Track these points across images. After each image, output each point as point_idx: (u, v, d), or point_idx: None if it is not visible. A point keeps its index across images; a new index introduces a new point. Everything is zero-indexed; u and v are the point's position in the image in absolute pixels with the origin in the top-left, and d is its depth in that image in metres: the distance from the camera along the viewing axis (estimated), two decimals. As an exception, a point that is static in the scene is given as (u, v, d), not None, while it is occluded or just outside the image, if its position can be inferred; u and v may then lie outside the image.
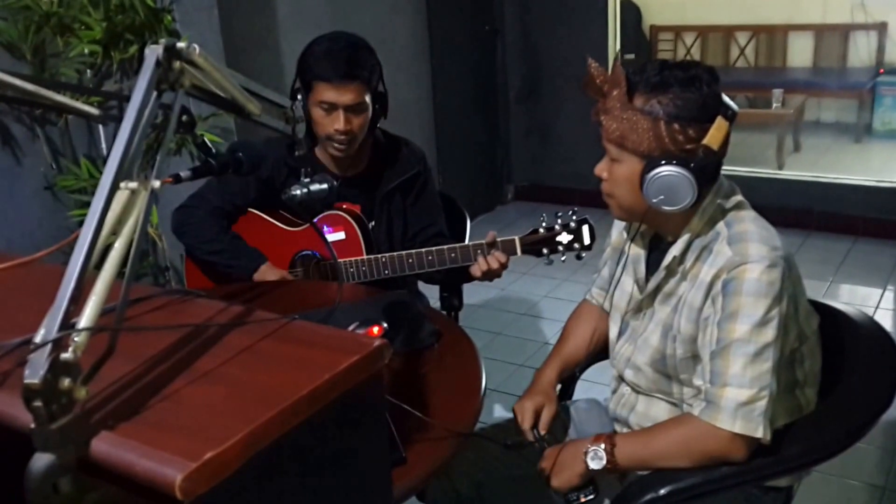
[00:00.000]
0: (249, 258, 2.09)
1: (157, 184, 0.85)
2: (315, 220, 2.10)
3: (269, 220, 2.16)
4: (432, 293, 2.37)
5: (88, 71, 2.66)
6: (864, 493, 2.50)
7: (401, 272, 2.02)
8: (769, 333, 1.36)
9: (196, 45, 0.94)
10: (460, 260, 1.97)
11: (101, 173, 2.71)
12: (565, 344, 1.80)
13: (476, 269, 1.95)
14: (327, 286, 2.06)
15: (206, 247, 2.12)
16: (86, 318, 0.75)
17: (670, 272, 1.50)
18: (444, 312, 2.25)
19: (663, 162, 1.37)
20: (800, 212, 4.64)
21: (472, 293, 2.18)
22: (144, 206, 0.83)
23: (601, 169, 1.50)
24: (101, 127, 2.77)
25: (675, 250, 1.48)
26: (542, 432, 1.64)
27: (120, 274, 0.80)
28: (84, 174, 2.64)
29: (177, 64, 0.92)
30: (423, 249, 2.00)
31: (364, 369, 0.86)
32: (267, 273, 2.07)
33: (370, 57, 2.05)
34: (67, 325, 0.74)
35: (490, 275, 1.96)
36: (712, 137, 1.37)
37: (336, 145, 2.03)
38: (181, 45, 0.92)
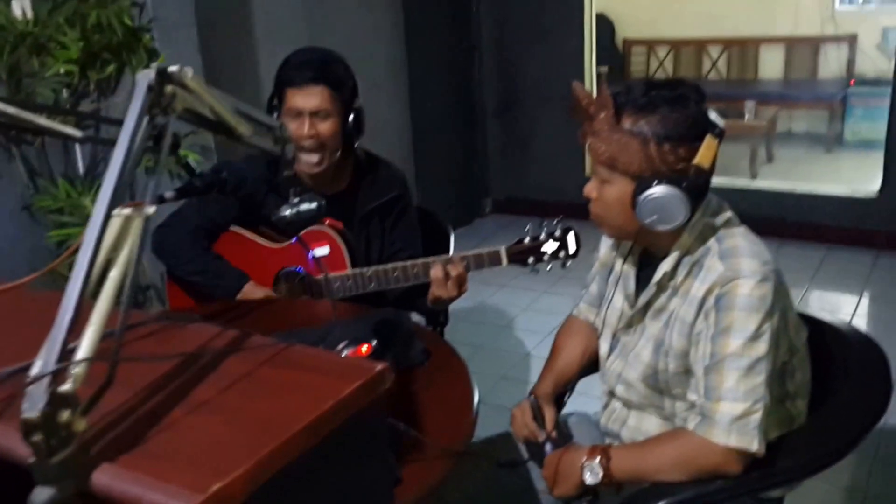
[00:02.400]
0: (232, 278, 2.07)
1: (151, 210, 0.83)
2: (299, 235, 2.09)
3: (251, 237, 2.14)
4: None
5: (65, 90, 2.62)
6: (845, 499, 2.52)
7: (386, 286, 2.02)
8: (762, 347, 1.36)
9: (189, 69, 0.93)
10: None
11: (78, 193, 2.67)
12: (557, 359, 1.79)
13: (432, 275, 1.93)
14: (312, 304, 2.04)
15: (187, 267, 2.09)
16: (84, 349, 0.74)
17: (661, 288, 1.51)
18: (430, 328, 2.24)
19: (655, 182, 1.38)
20: (773, 221, 4.68)
21: (452, 306, 2.18)
22: (140, 233, 0.82)
23: (590, 190, 1.49)
24: (77, 146, 2.74)
25: (665, 266, 1.48)
26: (549, 430, 1.63)
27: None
28: (62, 194, 2.60)
29: (169, 88, 0.91)
30: (409, 262, 1.99)
31: (366, 395, 0.85)
32: (251, 293, 2.04)
33: (341, 69, 2.05)
34: (65, 355, 0.72)
35: (444, 286, 1.94)
36: (703, 156, 1.37)
37: (305, 156, 2.02)
38: (173, 68, 0.91)
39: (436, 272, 1.93)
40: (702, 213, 1.46)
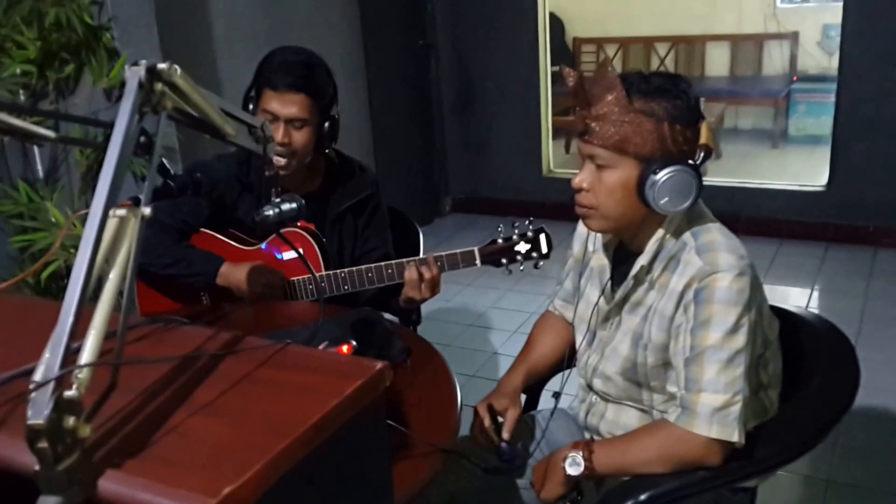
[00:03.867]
0: (206, 262, 2.03)
1: (147, 210, 0.82)
2: (270, 238, 2.07)
3: (222, 239, 2.11)
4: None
5: (21, 91, 2.55)
6: (810, 487, 2.58)
7: (360, 287, 2.01)
8: (740, 340, 1.39)
9: (177, 66, 0.91)
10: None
11: (40, 196, 2.61)
12: (531, 352, 1.80)
13: (406, 277, 1.94)
14: (287, 305, 2.03)
15: (160, 261, 2.04)
16: (88, 353, 0.72)
17: (638, 282, 1.52)
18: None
19: (665, 164, 1.39)
20: (726, 217, 4.77)
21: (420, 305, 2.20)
22: (136, 233, 0.81)
23: (582, 180, 1.47)
24: (35, 148, 2.67)
25: (642, 260, 1.49)
26: (506, 436, 1.64)
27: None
28: (23, 198, 2.53)
29: (158, 86, 0.90)
30: (384, 263, 1.99)
31: (368, 393, 0.85)
32: (230, 273, 2.00)
33: (324, 76, 2.03)
34: (68, 361, 0.71)
35: (418, 288, 1.94)
36: (707, 138, 1.41)
37: (273, 158, 2.00)
38: (162, 66, 0.90)
39: (410, 274, 1.93)
40: None
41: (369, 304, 2.11)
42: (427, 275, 1.93)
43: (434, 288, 1.97)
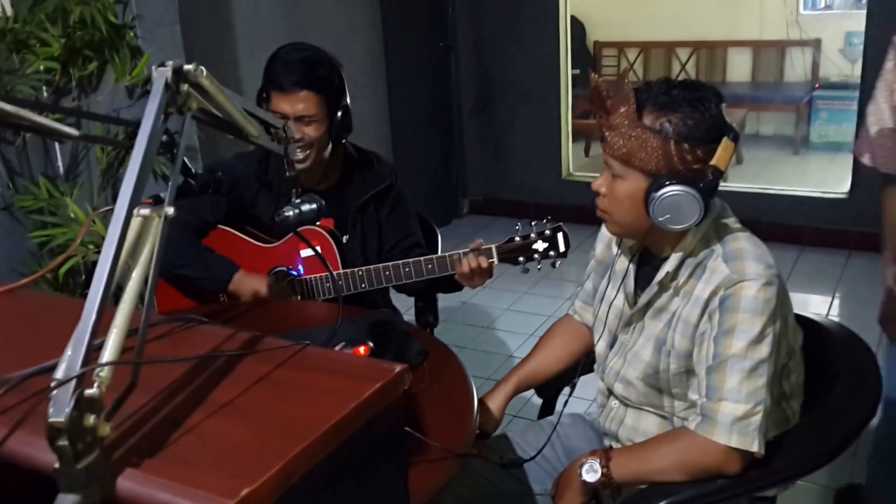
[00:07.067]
0: (222, 268, 2.05)
1: (171, 210, 0.82)
2: (288, 236, 2.08)
3: (240, 236, 2.12)
4: (404, 306, 2.35)
5: (45, 88, 2.58)
6: (830, 496, 2.55)
7: (377, 285, 2.00)
8: (764, 350, 1.37)
9: (203, 68, 0.92)
10: (437, 270, 1.96)
11: (60, 192, 2.63)
12: (529, 362, 1.81)
13: (460, 271, 1.93)
14: (305, 304, 2.03)
15: (175, 261, 2.05)
16: (110, 351, 0.72)
17: (662, 288, 1.51)
18: (423, 329, 2.23)
19: (670, 182, 1.37)
20: (747, 223, 4.73)
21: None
22: (160, 233, 0.81)
23: (599, 185, 1.48)
24: (56, 145, 2.69)
25: (668, 266, 1.48)
26: None
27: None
28: (43, 194, 2.56)
29: (184, 87, 0.90)
30: (401, 261, 1.99)
31: (386, 396, 0.85)
32: (242, 281, 2.02)
33: (328, 69, 2.03)
34: (89, 359, 0.71)
35: (474, 278, 1.94)
36: (720, 158, 1.37)
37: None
38: (189, 67, 0.90)
39: (459, 273, 1.93)
40: (708, 215, 1.46)
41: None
42: (474, 264, 1.91)
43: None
